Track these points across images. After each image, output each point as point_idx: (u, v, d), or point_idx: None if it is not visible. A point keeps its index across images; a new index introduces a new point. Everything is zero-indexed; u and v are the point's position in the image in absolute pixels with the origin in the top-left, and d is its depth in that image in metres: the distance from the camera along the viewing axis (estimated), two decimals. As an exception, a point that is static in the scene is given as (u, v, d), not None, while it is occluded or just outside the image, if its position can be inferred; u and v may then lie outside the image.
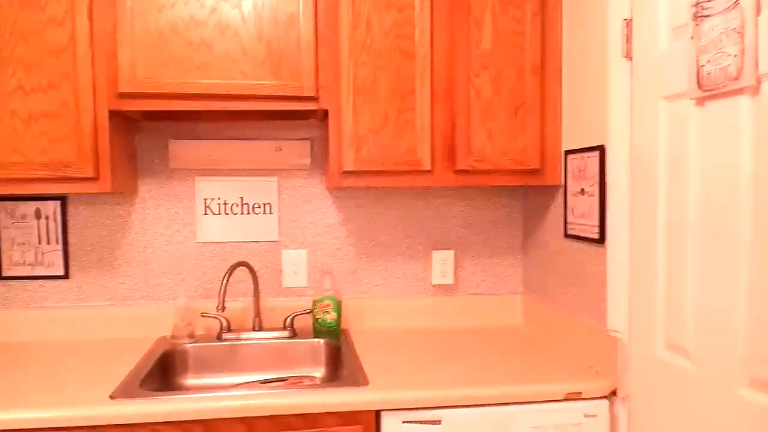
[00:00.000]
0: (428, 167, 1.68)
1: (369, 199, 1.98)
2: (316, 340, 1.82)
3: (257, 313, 1.86)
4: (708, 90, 1.13)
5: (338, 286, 1.95)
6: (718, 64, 1.10)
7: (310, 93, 1.62)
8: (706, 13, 1.13)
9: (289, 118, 1.90)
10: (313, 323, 1.85)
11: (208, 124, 1.91)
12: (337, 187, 1.67)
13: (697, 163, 1.19)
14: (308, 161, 1.93)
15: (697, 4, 1.15)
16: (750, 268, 1.06)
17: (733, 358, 1.09)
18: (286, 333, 1.85)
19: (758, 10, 1.01)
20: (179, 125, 1.90)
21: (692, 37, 1.17)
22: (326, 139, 1.88)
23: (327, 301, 1.83)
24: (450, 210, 2.03)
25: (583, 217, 1.63)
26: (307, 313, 1.86)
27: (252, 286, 1.91)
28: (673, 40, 1.26)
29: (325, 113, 1.74)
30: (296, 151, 1.93)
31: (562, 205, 1.76)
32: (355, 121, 1.65)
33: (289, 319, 1.85)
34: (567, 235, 1.73)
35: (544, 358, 1.65)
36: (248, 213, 1.93)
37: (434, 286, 2.03)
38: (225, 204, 1.92)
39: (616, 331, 1.48)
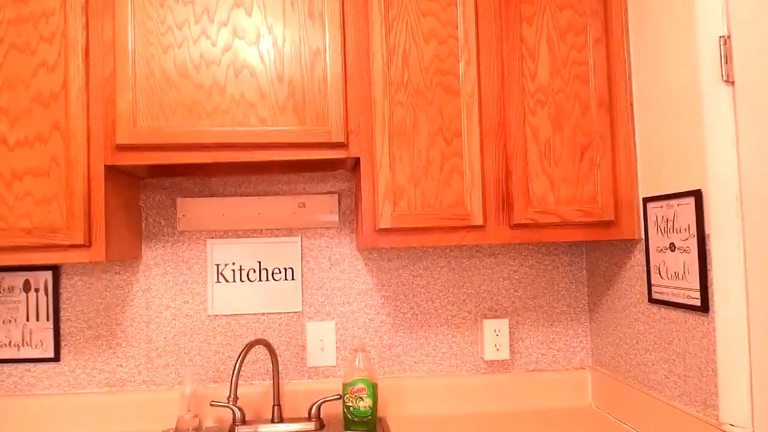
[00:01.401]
0: (480, 221, 1.41)
1: (406, 260, 1.70)
2: (348, 433, 1.51)
3: (277, 400, 1.56)
4: None
5: (373, 365, 1.65)
6: None
7: (339, 138, 1.38)
8: None
9: (314, 170, 1.66)
10: (344, 411, 1.54)
11: (221, 179, 1.68)
12: (371, 247, 1.41)
13: None
14: (336, 218, 1.68)
15: (842, 2, 0.89)
16: None
17: None
18: (311, 425, 1.53)
19: None
20: (188, 181, 1.67)
21: (835, 46, 0.90)
22: (356, 192, 1.63)
23: (360, 385, 1.53)
24: (501, 270, 1.73)
25: (677, 279, 1.32)
26: (337, 399, 1.56)
27: (271, 365, 1.62)
28: (800, 53, 0.99)
29: (356, 161, 1.49)
30: (322, 206, 1.67)
31: (644, 263, 1.46)
32: (392, 169, 1.40)
33: (315, 407, 1.54)
34: (653, 300, 1.42)
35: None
36: (267, 280, 1.66)
37: (486, 362, 1.71)
38: (240, 270, 1.66)
39: (734, 426, 1.14)
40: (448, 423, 1.57)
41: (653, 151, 1.40)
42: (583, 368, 1.73)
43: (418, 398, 1.66)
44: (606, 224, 1.46)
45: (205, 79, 1.35)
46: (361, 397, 1.52)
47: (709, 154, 1.19)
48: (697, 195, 1.25)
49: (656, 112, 1.38)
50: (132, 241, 1.56)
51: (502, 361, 1.71)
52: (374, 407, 1.53)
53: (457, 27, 1.43)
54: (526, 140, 1.44)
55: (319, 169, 1.66)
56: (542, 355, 1.73)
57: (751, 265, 1.11)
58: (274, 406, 1.55)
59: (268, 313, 1.65)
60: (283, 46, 1.37)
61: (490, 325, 1.69)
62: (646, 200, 1.44)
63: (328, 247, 1.68)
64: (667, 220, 1.36)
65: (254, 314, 1.65)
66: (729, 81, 1.15)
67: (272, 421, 1.54)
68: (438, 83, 1.42)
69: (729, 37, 1.15)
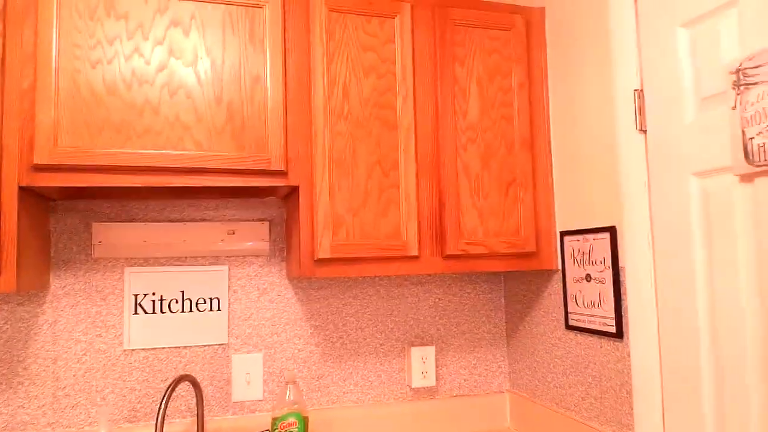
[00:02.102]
0: (415, 252, 1.44)
1: (336, 289, 1.70)
2: (278, 469, 1.46)
3: (202, 439, 1.48)
4: (762, 165, 0.99)
5: (303, 398, 1.61)
6: (776, 135, 0.97)
7: (279, 166, 1.36)
8: (752, 80, 1.01)
9: (245, 196, 1.62)
10: (273, 447, 1.49)
11: (142, 202, 1.58)
12: (308, 276, 1.39)
13: (748, 246, 1.04)
14: (266, 246, 1.64)
15: (739, 71, 1.03)
16: None
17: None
18: (238, 462, 1.47)
19: (825, 77, 0.90)
20: (105, 204, 1.56)
21: (734, 107, 1.05)
22: (288, 220, 1.61)
23: (291, 419, 1.49)
24: (428, 298, 1.78)
25: (593, 307, 1.44)
26: (266, 434, 1.50)
27: (193, 401, 1.53)
28: (703, 110, 1.14)
29: (291, 190, 1.48)
30: (252, 234, 1.63)
31: (561, 292, 1.57)
32: (332, 199, 1.40)
33: (242, 444, 1.48)
34: (570, 327, 1.53)
35: (558, 476, 1.39)
36: (191, 311, 1.58)
37: (413, 389, 1.74)
38: (161, 300, 1.56)
39: (648, 443, 1.25)
40: (378, 453, 1.57)
41: (570, 189, 1.53)
42: (502, 392, 1.81)
43: (347, 429, 1.64)
44: (528, 255, 1.56)
45: (137, 98, 1.28)
46: (292, 431, 1.48)
47: (624, 194, 1.32)
48: (612, 231, 1.37)
49: (574, 154, 1.51)
50: (40, 269, 1.42)
51: (428, 387, 1.75)
52: (304, 441, 1.49)
53: (395, 63, 1.48)
54: (458, 175, 1.51)
55: (250, 196, 1.62)
56: (465, 380, 1.79)
57: (661, 295, 1.24)
58: (198, 445, 1.47)
59: (191, 346, 1.57)
60: (223, 69, 1.34)
61: (417, 353, 1.72)
62: (563, 234, 1.56)
63: (257, 275, 1.64)
64: (584, 252, 1.48)
65: (176, 347, 1.56)
66: (642, 130, 1.29)
67: (197, 462, 1.45)
68: (377, 116, 1.45)
69: (642, 90, 1.29)
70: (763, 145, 0.99)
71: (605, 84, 1.39)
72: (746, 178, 1.04)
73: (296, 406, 1.51)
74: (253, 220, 1.65)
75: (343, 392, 1.67)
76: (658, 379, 1.25)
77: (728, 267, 1.07)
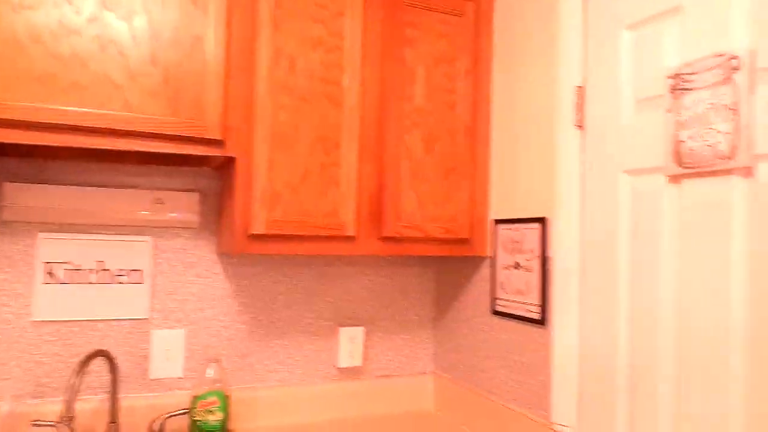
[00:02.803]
0: (353, 233, 1.43)
1: (267, 266, 1.65)
2: (198, 449, 1.41)
3: (114, 417, 1.40)
4: (690, 167, 1.06)
5: (226, 376, 1.56)
6: (705, 140, 1.03)
7: (216, 135, 1.29)
8: (688, 86, 1.07)
9: (175, 164, 1.53)
10: (191, 426, 1.43)
11: (63, 164, 1.46)
12: (241, 252, 1.34)
13: (671, 244, 1.11)
14: (196, 218, 1.56)
15: (677, 76, 1.09)
16: (742, 381, 0.96)
17: (732, 464, 0.97)
18: (155, 442, 1.41)
19: (752, 88, 0.97)
20: (20, 163, 1.42)
21: (669, 111, 1.11)
22: (222, 193, 1.54)
23: (212, 397, 1.44)
24: (359, 280, 1.77)
25: (519, 294, 1.49)
26: (184, 413, 1.45)
27: (107, 378, 1.45)
28: (640, 112, 1.19)
29: (226, 161, 1.41)
30: (181, 204, 1.55)
31: (489, 278, 1.61)
32: (270, 174, 1.35)
33: (158, 424, 1.42)
34: (496, 312, 1.57)
35: (478, 456, 1.44)
36: (110, 282, 1.48)
37: (339, 369, 1.73)
38: (77, 270, 1.45)
39: (563, 426, 1.32)
40: (301, 432, 1.56)
41: (506, 179, 1.56)
42: (426, 373, 1.85)
43: (270, 409, 1.62)
44: (462, 241, 1.58)
45: (64, 49, 1.16)
46: (212, 411, 1.43)
47: (557, 187, 1.37)
48: (543, 222, 1.42)
49: (513, 145, 1.54)
50: (-65, 230, 1.27)
51: (355, 368, 1.75)
52: (225, 421, 1.45)
53: (343, 38, 1.44)
54: (400, 158, 1.50)
55: (182, 164, 1.54)
56: (390, 361, 1.81)
57: (585, 286, 1.30)
58: (110, 423, 1.38)
59: (107, 320, 1.47)
60: (161, 27, 1.25)
61: (346, 333, 1.72)
62: (496, 222, 1.60)
63: (184, 249, 1.56)
64: (514, 241, 1.52)
65: (91, 320, 1.46)
66: (579, 126, 1.34)
67: (109, 441, 1.37)
68: (322, 92, 1.41)
69: (583, 87, 1.34)
70: (693, 149, 1.06)
71: (547, 78, 1.42)
72: (675, 179, 1.11)
73: (218, 384, 1.46)
74: (183, 190, 1.56)
75: (268, 371, 1.64)
76: (577, 365, 1.31)
77: (651, 263, 1.14)
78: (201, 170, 1.59)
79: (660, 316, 1.12)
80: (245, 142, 1.34)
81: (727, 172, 1.00)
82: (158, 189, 1.54)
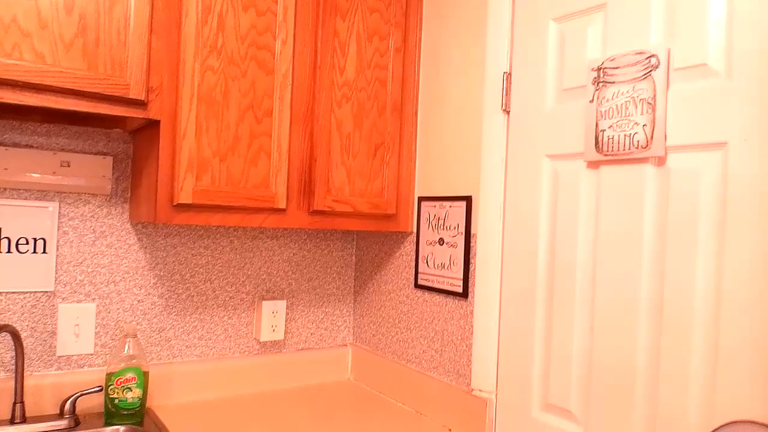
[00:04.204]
0: (283, 205, 1.40)
1: (186, 237, 1.58)
2: (112, 428, 1.34)
3: (20, 397, 1.28)
4: (609, 155, 1.15)
5: (144, 352, 1.48)
6: (623, 130, 1.13)
7: (139, 95, 1.20)
8: (610, 79, 1.16)
9: (87, 124, 1.41)
10: (106, 405, 1.36)
11: (-53, 117, 1.29)
12: (164, 222, 1.27)
13: (588, 225, 1.21)
14: (108, 184, 1.45)
15: (600, 69, 1.18)
16: (650, 331, 1.08)
17: (631, 418, 1.10)
18: (63, 423, 1.31)
19: (667, 85, 1.07)
20: None
21: (591, 101, 1.19)
22: (136, 158, 1.44)
23: (130, 374, 1.37)
24: (282, 253, 1.75)
25: (442, 269, 1.55)
26: (98, 391, 1.36)
27: (8, 355, 1.33)
28: (563, 101, 1.27)
29: (146, 124, 1.32)
30: (91, 169, 1.43)
31: (413, 253, 1.66)
32: (198, 140, 1.29)
33: (69, 403, 1.32)
34: (418, 286, 1.63)
35: (388, 421, 1.50)
36: (9, 251, 1.34)
37: (260, 343, 1.71)
38: (-31, 237, 1.30)
39: (482, 391, 1.41)
40: (220, 407, 1.53)
41: (432, 157, 1.61)
42: (345, 345, 1.88)
43: (189, 384, 1.56)
44: (388, 217, 1.61)
45: (-41, -13, 1.02)
46: (129, 388, 1.36)
47: (483, 168, 1.43)
48: (468, 200, 1.48)
49: (438, 123, 1.58)
50: None
51: (276, 341, 1.74)
52: (144, 398, 1.39)
53: (276, 2, 1.39)
54: (331, 131, 1.49)
55: (94, 125, 1.41)
56: (311, 334, 1.81)
57: (507, 261, 1.39)
58: (15, 404, 1.27)
59: (8, 293, 1.34)
60: (75, -29, 1.13)
61: (268, 307, 1.69)
62: (421, 199, 1.64)
63: (93, 216, 1.45)
64: (439, 218, 1.58)
65: (-15, 293, 1.32)
66: (506, 110, 1.40)
67: (12, 422, 1.26)
68: (253, 56, 1.36)
69: (510, 73, 1.40)
70: (612, 138, 1.15)
71: (476, 62, 1.47)
72: (593, 164, 1.20)
73: (134, 360, 1.39)
74: (93, 153, 1.44)
75: (186, 346, 1.58)
76: (496, 334, 1.40)
77: (569, 241, 1.24)
78: (113, 132, 1.48)
79: (576, 288, 1.22)
80: (170, 105, 1.26)
81: (643, 160, 1.11)
82: (64, 150, 1.40)
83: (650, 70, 1.09)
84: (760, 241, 0.93)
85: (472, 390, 1.43)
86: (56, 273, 1.40)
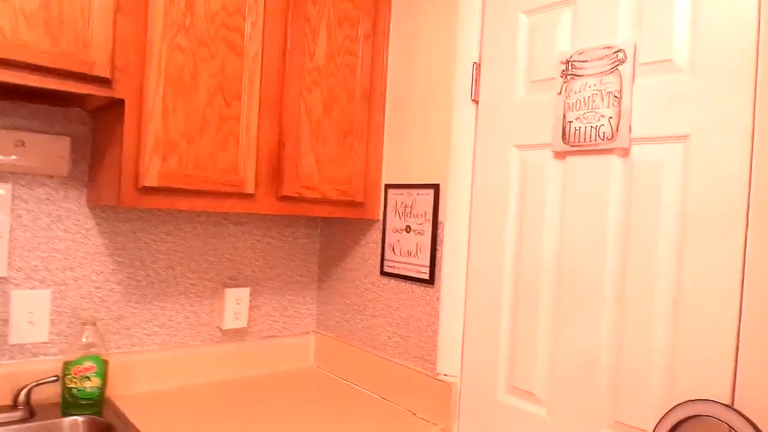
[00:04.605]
0: (252, 190, 1.38)
1: (147, 222, 1.53)
2: (70, 419, 1.29)
3: (-33, 389, 1.22)
4: (575, 146, 1.19)
5: (103, 340, 1.42)
6: (590, 122, 1.17)
7: (104, 73, 1.16)
8: (578, 72, 1.20)
9: (44, 102, 1.34)
10: (63, 395, 1.31)
11: None
12: (128, 206, 1.23)
13: (555, 214, 1.25)
14: (66, 165, 1.39)
15: (568, 62, 1.21)
16: (613, 315, 1.13)
17: (594, 402, 1.15)
18: (17, 414, 1.25)
19: (633, 79, 1.12)
20: None
21: (559, 93, 1.23)
22: (96, 138, 1.38)
23: (88, 362, 1.32)
24: (246, 240, 1.72)
25: (409, 256, 1.57)
26: (54, 380, 1.31)
27: (-46, 345, 1.26)
28: (532, 92, 1.31)
29: (108, 103, 1.28)
30: (48, 149, 1.36)
31: (379, 241, 1.67)
32: (165, 121, 1.25)
33: (23, 393, 1.27)
34: (384, 273, 1.64)
35: (352, 406, 1.51)
36: (-44, 235, 1.27)
37: (223, 331, 1.68)
38: None
39: (447, 375, 1.44)
40: (182, 396, 1.50)
41: (400, 144, 1.62)
42: (308, 333, 1.87)
43: (150, 373, 1.52)
44: (356, 204, 1.61)
45: None
46: (88, 377, 1.32)
47: (452, 156, 1.45)
48: (436, 188, 1.50)
49: (407, 111, 1.59)
50: None
51: (239, 329, 1.71)
52: (103, 387, 1.35)
53: (247, -17, 1.36)
54: (300, 117, 1.47)
55: (51, 103, 1.35)
56: (275, 321, 1.80)
57: (474, 249, 1.41)
58: (-36, 396, 1.21)
59: (-45, 278, 1.27)
60: (36, -61, 1.07)
61: (232, 294, 1.66)
62: (388, 186, 1.65)
63: (49, 199, 1.38)
64: (406, 206, 1.59)
65: (-69, 279, 1.24)
66: (475, 100, 1.43)
67: (-37, 415, 1.20)
68: (223, 38, 1.32)
69: (480, 64, 1.42)
70: (579, 129, 1.19)
71: (446, 51, 1.49)
72: (560, 155, 1.24)
73: (93, 349, 1.34)
74: (50, 133, 1.37)
75: (147, 334, 1.54)
76: (462, 320, 1.43)
77: (535, 228, 1.28)
78: (72, 112, 1.41)
79: (541, 276, 1.26)
80: (136, 84, 1.22)
81: (608, 151, 1.15)
82: (18, 129, 1.33)
83: (617, 64, 1.13)
84: (719, 231, 0.99)
85: (438, 375, 1.45)
86: (9, 258, 1.33)
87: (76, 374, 1.31)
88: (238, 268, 1.71)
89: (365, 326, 1.70)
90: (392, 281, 1.62)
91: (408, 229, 1.58)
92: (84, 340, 1.34)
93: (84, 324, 1.34)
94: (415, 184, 1.56)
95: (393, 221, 1.62)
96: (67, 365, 1.31)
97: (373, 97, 1.63)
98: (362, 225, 1.72)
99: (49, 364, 1.37)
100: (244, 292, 1.69)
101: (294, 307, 1.84)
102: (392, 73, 1.65)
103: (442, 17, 1.50)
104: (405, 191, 1.59)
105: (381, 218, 1.66)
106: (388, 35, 1.66)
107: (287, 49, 1.44)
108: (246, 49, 1.36)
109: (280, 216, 1.80)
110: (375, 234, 1.68)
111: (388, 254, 1.64)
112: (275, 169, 1.44)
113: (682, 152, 1.04)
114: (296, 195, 1.46)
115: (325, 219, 1.88)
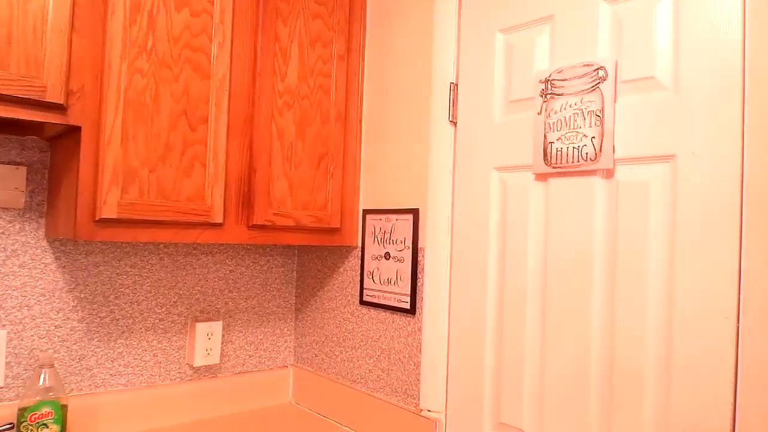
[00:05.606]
0: (220, 219, 1.31)
1: (110, 255, 1.45)
2: (23, 471, 1.19)
3: None
4: (557, 167, 1.14)
5: (62, 383, 1.33)
6: (572, 143, 1.12)
7: (57, 99, 1.09)
8: (558, 91, 1.15)
9: (-6, 131, 1.27)
10: (16, 444, 1.21)
11: None
12: (85, 239, 1.15)
13: (538, 238, 1.19)
14: (22, 197, 1.31)
15: (548, 80, 1.17)
16: (603, 343, 1.07)
17: (586, 437, 1.08)
18: (-37, 468, 1.15)
19: (615, 98, 1.07)
20: None
21: (539, 113, 1.18)
22: (53, 167, 1.30)
23: (46, 408, 1.23)
24: (217, 270, 1.64)
25: (389, 284, 1.50)
26: (9, 428, 1.21)
27: None
28: (511, 112, 1.26)
29: (65, 130, 1.20)
30: (3, 180, 1.28)
31: (358, 268, 1.60)
32: (124, 148, 1.18)
33: (-29, 444, 1.17)
34: (364, 302, 1.56)
35: (345, 448, 1.42)
36: None
37: (194, 368, 1.59)
38: None
39: (431, 411, 1.36)
40: (150, 440, 1.40)
41: (377, 168, 1.56)
42: (286, 367, 1.78)
43: (115, 416, 1.42)
44: (332, 231, 1.54)
45: None
46: (45, 424, 1.22)
47: (431, 180, 1.40)
48: (415, 213, 1.44)
49: (383, 134, 1.54)
50: None
51: (211, 365, 1.62)
52: (61, 434, 1.25)
53: (213, 2, 1.30)
54: (272, 140, 1.41)
55: (4, 131, 1.27)
56: (250, 356, 1.71)
57: (455, 275, 1.35)
58: None
59: None
60: (-18, -41, 1.01)
61: (203, 329, 1.58)
62: (366, 212, 1.58)
63: (4, 233, 1.29)
64: (385, 231, 1.52)
65: None
66: (453, 122, 1.38)
67: None
68: (187, 59, 1.26)
69: (457, 84, 1.37)
70: (561, 150, 1.14)
71: (422, 72, 1.44)
72: (542, 177, 1.19)
73: (52, 393, 1.25)
74: (4, 163, 1.29)
75: (111, 375, 1.44)
76: (445, 351, 1.35)
77: (519, 254, 1.21)
78: (27, 140, 1.33)
79: (527, 302, 1.19)
80: (93, 110, 1.15)
81: (592, 172, 1.10)
82: (-30, 160, 1.25)
83: (598, 82, 1.09)
84: (708, 252, 0.93)
85: (421, 410, 1.37)
86: (-43, 297, 1.24)
87: (32, 421, 1.21)
88: (210, 301, 1.62)
89: (345, 358, 1.62)
90: (372, 311, 1.55)
91: (387, 255, 1.51)
92: (41, 383, 1.24)
93: (41, 366, 1.25)
94: (393, 209, 1.50)
95: (372, 248, 1.56)
96: (22, 411, 1.21)
97: (348, 119, 1.57)
98: (340, 252, 1.65)
99: (5, 410, 1.27)
100: (216, 326, 1.60)
101: (270, 340, 1.76)
102: (368, 94, 1.60)
103: (418, 36, 1.46)
104: (383, 216, 1.53)
105: (359, 245, 1.60)
106: (363, 55, 1.61)
107: (257, 70, 1.38)
108: (213, 70, 1.30)
109: (256, 245, 1.72)
110: (353, 261, 1.61)
111: (367, 282, 1.56)
112: (245, 196, 1.37)
113: (669, 172, 0.99)
114: (268, 223, 1.39)
115: (301, 246, 1.81)
